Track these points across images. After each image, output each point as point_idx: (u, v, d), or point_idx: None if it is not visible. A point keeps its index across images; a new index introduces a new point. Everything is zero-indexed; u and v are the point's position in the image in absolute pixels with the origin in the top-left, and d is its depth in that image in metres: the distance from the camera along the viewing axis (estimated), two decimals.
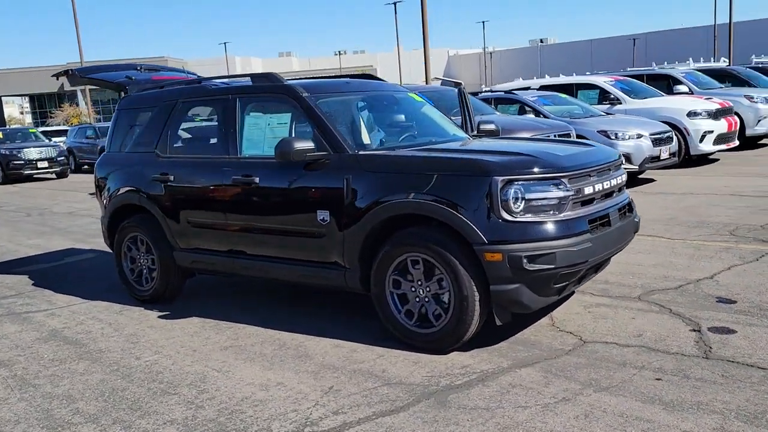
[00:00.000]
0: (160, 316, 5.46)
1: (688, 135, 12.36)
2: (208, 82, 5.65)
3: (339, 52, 78.53)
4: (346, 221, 4.41)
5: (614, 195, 4.52)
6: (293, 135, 4.98)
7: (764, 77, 18.15)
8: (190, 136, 5.71)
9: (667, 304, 4.83)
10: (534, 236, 3.89)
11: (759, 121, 14.43)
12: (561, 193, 3.98)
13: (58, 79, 6.99)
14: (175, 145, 5.63)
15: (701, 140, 12.36)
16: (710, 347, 3.99)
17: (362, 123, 5.08)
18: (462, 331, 4.07)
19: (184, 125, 5.70)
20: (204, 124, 5.74)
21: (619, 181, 4.56)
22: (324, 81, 5.36)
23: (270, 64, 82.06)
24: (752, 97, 14.54)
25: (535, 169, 3.98)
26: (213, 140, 5.39)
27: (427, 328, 4.21)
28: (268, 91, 5.08)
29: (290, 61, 77.43)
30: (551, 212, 3.97)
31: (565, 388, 3.57)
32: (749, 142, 14.93)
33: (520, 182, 3.92)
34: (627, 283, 5.39)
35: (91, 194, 15.72)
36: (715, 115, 12.61)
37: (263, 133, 5.05)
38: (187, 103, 5.57)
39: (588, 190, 4.16)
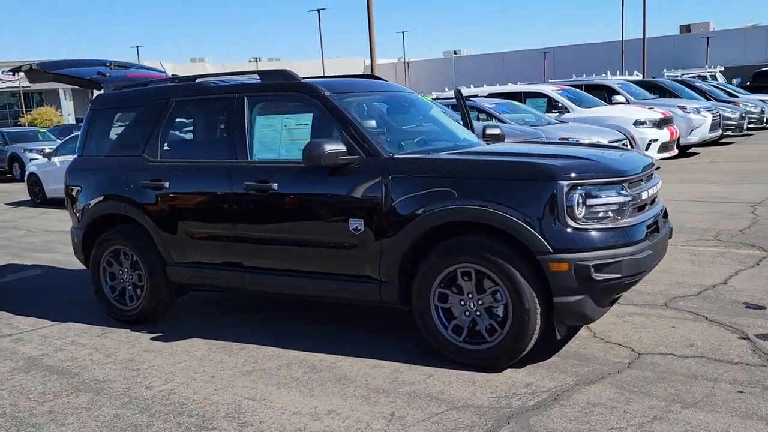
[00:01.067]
0: (153, 338, 4.90)
1: (635, 143, 12.65)
2: (205, 80, 5.14)
3: (255, 59, 77.13)
4: (385, 230, 4.07)
5: (656, 200, 4.39)
6: (314, 137, 4.57)
7: (687, 89, 19.03)
8: (187, 138, 5.20)
9: (699, 311, 4.74)
10: (600, 244, 3.68)
11: (692, 130, 15.02)
12: (622, 199, 3.80)
13: (14, 74, 6.25)
14: (168, 149, 5.09)
15: (647, 148, 12.70)
16: None
17: (389, 125, 4.74)
18: (521, 346, 3.80)
19: (178, 127, 5.18)
20: (203, 125, 5.21)
21: (659, 186, 4.44)
22: (339, 80, 4.98)
23: (181, 70, 79.58)
24: (685, 108, 15.14)
25: (599, 174, 3.78)
26: (216, 143, 4.91)
27: (479, 344, 3.93)
28: (282, 89, 4.66)
29: (203, 66, 75.20)
30: (614, 218, 3.78)
31: (650, 406, 3.36)
32: (682, 151, 15.53)
33: (583, 187, 3.71)
34: (644, 290, 5.29)
35: (9, 204, 14.50)
36: (659, 124, 13.01)
37: (279, 135, 4.61)
38: (182, 102, 5.05)
39: (644, 195, 4.00)
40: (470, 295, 3.92)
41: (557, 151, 4.47)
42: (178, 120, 5.15)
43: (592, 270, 3.64)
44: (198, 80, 5.20)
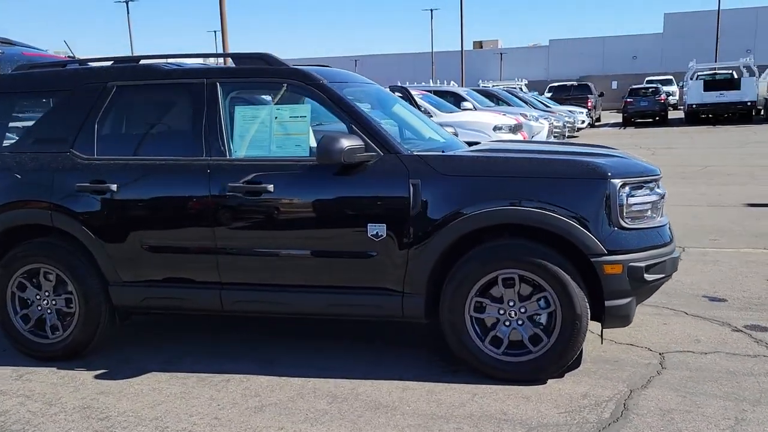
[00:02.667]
0: (99, 377, 3.99)
1: None
2: (154, 62, 4.29)
3: None
4: (412, 236, 3.64)
5: None
6: (313, 132, 4.00)
7: (515, 98, 20.32)
8: (134, 131, 4.30)
9: (672, 306, 4.86)
10: (647, 244, 3.59)
11: (533, 136, 15.98)
12: (655, 198, 3.74)
13: None
14: (108, 144, 4.19)
15: None
16: None
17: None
18: (570, 355, 3.59)
19: (120, 117, 4.28)
20: (157, 115, 4.35)
21: None
22: (325, 68, 4.39)
23: None
24: (526, 116, 16.07)
25: (637, 173, 3.69)
26: (178, 137, 4.12)
27: (521, 355, 3.65)
28: (267, 75, 4.01)
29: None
30: (651, 217, 3.70)
31: (722, 407, 3.30)
32: None
33: (630, 185, 3.59)
34: None
35: None
36: (514, 129, 13.63)
37: (268, 129, 3.95)
38: (125, 88, 4.17)
39: (666, 195, 3.98)
40: (511, 303, 3.63)
41: (581, 149, 4.32)
42: (119, 109, 4.24)
43: (644, 271, 3.52)
44: (143, 62, 4.34)
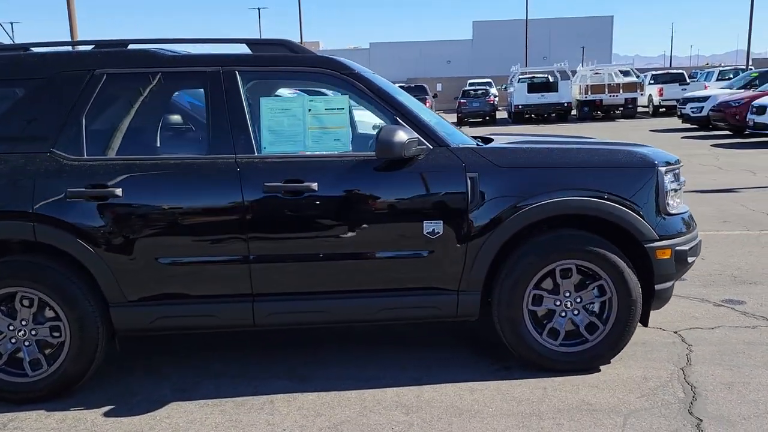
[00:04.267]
0: (111, 414, 3.41)
1: None
2: (147, 47, 3.72)
3: None
4: (471, 231, 3.52)
5: None
6: (353, 125, 3.72)
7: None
8: (136, 127, 3.70)
9: None
10: (685, 229, 3.77)
11: None
12: (680, 185, 3.93)
13: None
14: (101, 142, 3.58)
15: None
16: (766, 317, 4.45)
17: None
18: (626, 340, 3.68)
19: (111, 110, 3.67)
20: (160, 108, 3.77)
21: None
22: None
23: None
24: None
25: (674, 161, 3.85)
26: (192, 133, 3.62)
27: (578, 344, 3.67)
28: (293, 64, 3.66)
29: None
30: (680, 204, 3.89)
31: None
32: None
33: (670, 173, 3.75)
34: None
35: None
36: None
37: (301, 122, 3.59)
38: (117, 76, 3.59)
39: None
40: (567, 294, 3.64)
41: (604, 140, 4.41)
42: (111, 101, 3.64)
43: (687, 254, 3.70)
44: (131, 47, 3.75)
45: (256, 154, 3.51)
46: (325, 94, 4.55)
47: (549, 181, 3.54)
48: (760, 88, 19.32)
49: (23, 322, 3.51)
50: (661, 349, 3.96)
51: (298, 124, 3.58)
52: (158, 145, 3.70)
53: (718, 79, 29.80)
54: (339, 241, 3.51)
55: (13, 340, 3.53)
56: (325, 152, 3.55)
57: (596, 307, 3.66)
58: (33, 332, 3.52)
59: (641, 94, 28.13)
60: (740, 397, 3.32)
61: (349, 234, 3.51)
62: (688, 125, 21.27)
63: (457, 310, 3.62)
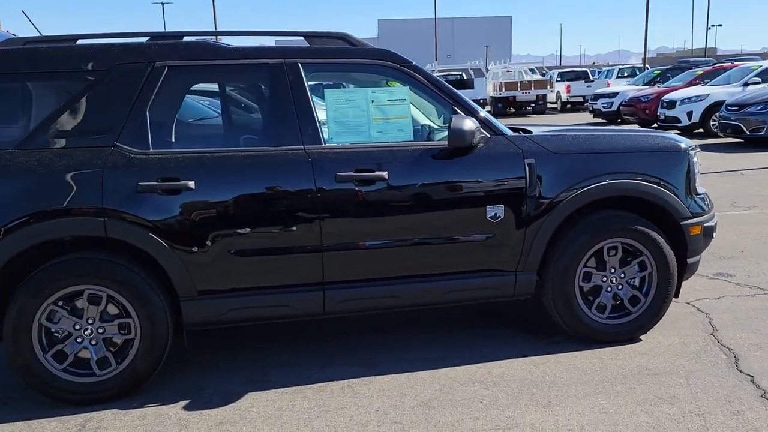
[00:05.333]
0: (190, 408, 3.39)
1: None
2: (203, 39, 3.70)
3: None
4: (530, 215, 3.74)
5: None
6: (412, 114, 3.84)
7: None
8: (199, 119, 3.66)
9: None
10: (707, 207, 4.14)
11: None
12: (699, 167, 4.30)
13: None
14: (166, 135, 3.55)
15: None
16: (758, 286, 4.93)
17: None
18: (664, 310, 4.00)
19: (172, 103, 3.63)
20: (224, 100, 3.74)
21: None
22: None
23: None
24: None
25: (696, 145, 4.22)
26: (258, 124, 3.65)
27: (622, 317, 3.97)
28: (353, 56, 3.74)
29: None
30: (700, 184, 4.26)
31: None
32: None
33: (695, 156, 4.11)
34: None
35: None
36: None
37: (365, 113, 3.68)
38: (179, 68, 3.56)
39: None
40: (612, 270, 3.92)
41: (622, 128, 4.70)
42: (173, 94, 3.60)
43: (713, 230, 4.08)
44: (187, 39, 3.72)
45: (323, 144, 3.58)
46: (345, 87, 4.66)
47: (597, 166, 3.81)
48: (665, 85, 20.79)
49: (90, 321, 3.42)
50: (684, 318, 4.32)
51: (362, 115, 3.67)
52: (223, 137, 3.69)
53: (618, 77, 31.64)
54: (408, 228, 3.64)
55: (79, 340, 3.43)
56: (391, 142, 3.66)
57: (637, 282, 3.97)
58: (100, 330, 3.44)
59: (551, 91, 29.44)
60: None
61: (418, 220, 3.65)
62: (599, 120, 22.53)
63: (515, 289, 3.83)
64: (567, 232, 3.82)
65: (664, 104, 17.56)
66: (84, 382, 3.44)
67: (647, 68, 30.91)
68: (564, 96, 29.60)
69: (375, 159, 3.58)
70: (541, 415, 3.15)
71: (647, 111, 19.07)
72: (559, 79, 30.67)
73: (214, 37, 3.74)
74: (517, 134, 3.83)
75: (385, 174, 3.55)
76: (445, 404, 3.30)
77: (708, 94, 16.73)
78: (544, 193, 3.74)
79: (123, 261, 3.42)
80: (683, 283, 4.09)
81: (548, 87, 29.15)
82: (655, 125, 18.20)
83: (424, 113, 4.65)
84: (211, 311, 3.54)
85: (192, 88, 4.14)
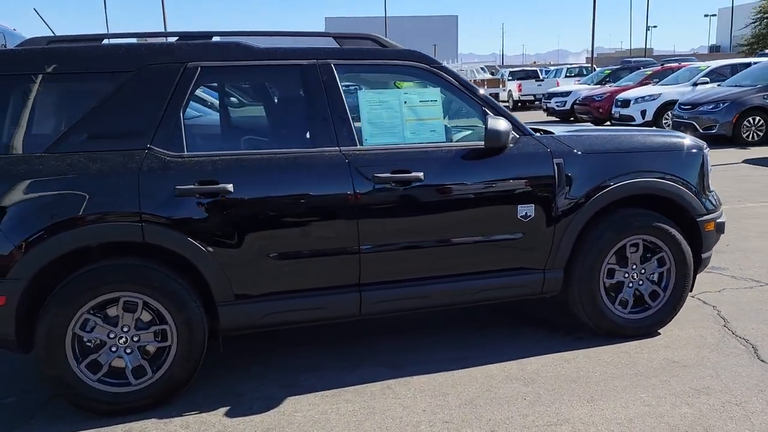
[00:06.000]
0: (231, 414, 3.33)
1: None
2: (233, 39, 3.63)
3: None
4: (558, 214, 3.82)
5: None
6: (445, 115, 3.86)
7: None
8: (232, 121, 3.60)
9: None
10: (718, 204, 4.30)
11: None
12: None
13: None
14: (199, 137, 3.48)
15: None
16: (753, 278, 5.15)
17: None
18: (681, 304, 4.14)
19: (204, 104, 3.56)
20: (257, 101, 3.68)
21: None
22: None
23: None
24: None
25: (705, 144, 4.37)
26: (291, 126, 3.61)
27: (643, 311, 4.09)
28: (385, 57, 3.74)
29: None
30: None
31: None
32: None
33: (708, 155, 4.26)
34: None
35: None
36: None
37: (399, 114, 3.68)
38: (211, 69, 3.49)
39: None
40: (634, 266, 4.04)
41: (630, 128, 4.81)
42: (203, 95, 3.53)
43: (724, 226, 4.24)
44: (215, 39, 3.65)
45: (358, 146, 3.57)
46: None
47: (621, 165, 3.92)
48: (616, 84, 21.39)
49: (125, 329, 3.33)
50: (693, 311, 4.48)
51: (396, 116, 3.68)
52: (257, 139, 3.63)
53: (566, 76, 32.39)
54: (442, 228, 3.66)
55: (114, 349, 3.34)
56: (425, 143, 3.68)
57: (656, 277, 4.09)
58: (135, 338, 3.35)
59: (503, 90, 29.92)
60: None
61: (453, 220, 3.68)
62: (552, 118, 23.02)
63: (543, 287, 3.90)
64: (592, 230, 3.91)
65: (619, 103, 18.09)
66: (119, 392, 3.34)
67: (594, 68, 31.76)
68: (516, 95, 30.10)
69: (411, 160, 3.59)
70: (587, 410, 3.22)
71: (601, 110, 19.59)
72: (510, 78, 31.18)
73: (242, 37, 3.67)
74: (543, 134, 3.89)
75: (421, 175, 3.56)
76: (491, 402, 3.34)
77: (660, 94, 17.33)
78: (572, 192, 3.82)
79: (159, 267, 3.34)
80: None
81: (500, 86, 29.61)
82: (608, 123, 18.72)
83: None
84: (249, 315, 3.49)
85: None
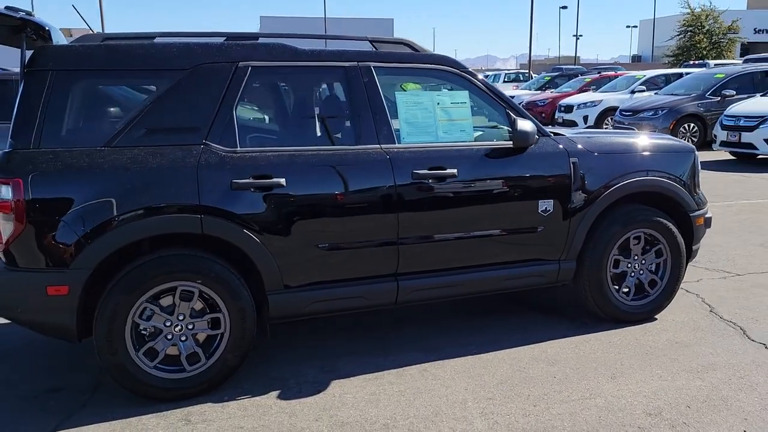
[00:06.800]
0: (284, 397, 3.51)
1: None
2: (278, 41, 3.79)
3: None
4: (573, 209, 4.16)
5: None
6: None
7: None
8: (280, 119, 3.77)
9: None
10: (705, 200, 4.74)
11: None
12: None
13: None
14: (249, 133, 3.64)
15: None
16: (723, 269, 5.65)
17: None
18: (675, 291, 4.55)
19: (255, 102, 3.72)
20: (302, 101, 3.84)
21: None
22: None
23: None
24: None
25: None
26: (333, 124, 3.81)
27: (643, 299, 4.48)
28: (418, 62, 3.99)
29: None
30: None
31: None
32: None
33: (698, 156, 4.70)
34: None
35: None
36: None
37: (433, 115, 3.93)
38: (261, 69, 3.66)
39: None
40: (635, 257, 4.43)
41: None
42: (255, 93, 3.69)
43: (710, 221, 4.69)
44: (260, 40, 3.82)
45: (396, 144, 3.81)
46: None
47: (629, 164, 4.30)
48: (557, 90, 22.26)
49: (180, 317, 3.46)
50: (680, 299, 4.89)
51: (429, 117, 3.93)
52: (303, 135, 3.81)
53: (504, 81, 33.40)
54: (472, 221, 3.94)
55: (169, 336, 3.46)
56: (456, 142, 3.95)
57: (653, 267, 4.49)
58: (190, 326, 3.49)
59: None
60: None
61: (482, 214, 3.96)
62: None
63: (558, 276, 4.23)
64: (601, 224, 4.26)
65: (562, 108, 18.88)
66: (174, 378, 3.47)
67: (532, 74, 32.85)
68: None
69: (445, 158, 3.85)
70: (614, 386, 3.56)
71: (544, 114, 20.33)
72: None
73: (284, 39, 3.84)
74: (559, 135, 4.23)
75: (455, 171, 3.83)
76: (525, 381, 3.64)
77: (601, 100, 18.21)
78: (586, 189, 4.16)
79: (214, 257, 3.48)
80: None
81: None
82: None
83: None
84: (296, 304, 3.67)
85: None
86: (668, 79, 19.07)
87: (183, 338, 3.48)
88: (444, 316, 4.64)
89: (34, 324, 3.39)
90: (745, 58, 24.83)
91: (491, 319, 4.56)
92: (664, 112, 15.11)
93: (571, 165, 4.12)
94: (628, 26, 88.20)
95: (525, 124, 3.87)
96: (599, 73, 23.89)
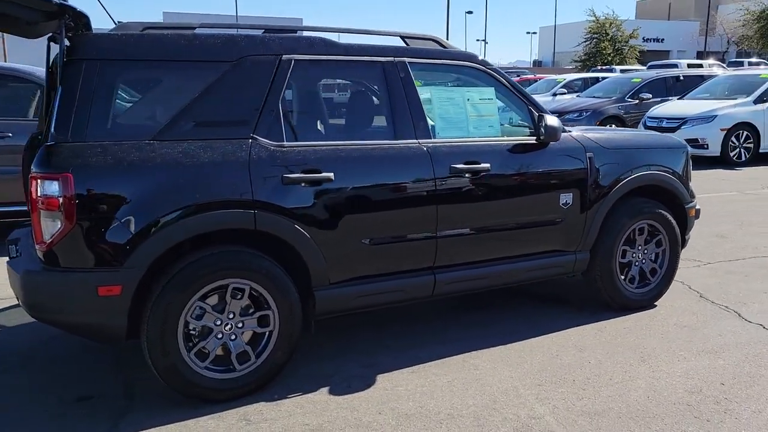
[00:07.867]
0: (336, 392, 3.50)
1: None
2: (317, 34, 3.76)
3: None
4: (589, 202, 4.36)
5: None
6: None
7: None
8: (322, 113, 3.72)
9: None
10: (694, 193, 5.07)
11: None
12: None
13: None
14: (294, 128, 3.59)
15: None
16: (696, 259, 6.05)
17: None
18: (672, 279, 4.85)
19: (300, 96, 3.68)
20: (341, 95, 3.79)
21: None
22: None
23: None
24: None
25: None
26: (377, 118, 3.82)
27: (645, 286, 4.74)
28: (447, 58, 4.06)
29: None
30: None
31: None
32: None
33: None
34: None
35: None
36: None
37: (464, 110, 4.00)
38: (303, 62, 3.62)
39: None
40: (639, 247, 4.68)
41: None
42: (298, 87, 3.64)
43: (700, 212, 5.02)
44: (303, 34, 3.77)
45: (432, 139, 3.87)
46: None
47: (636, 159, 4.54)
48: None
49: (230, 316, 3.38)
50: (676, 282, 5.18)
51: (461, 112, 4.02)
52: (344, 130, 3.79)
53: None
54: (503, 214, 4.05)
55: (219, 336, 3.37)
56: (485, 137, 4.05)
57: (653, 256, 4.76)
58: (239, 325, 3.41)
59: None
60: (760, 306, 4.71)
61: (511, 207, 4.08)
62: None
63: (574, 267, 4.41)
64: (611, 216, 4.48)
65: None
66: (225, 378, 3.38)
67: None
68: None
69: (479, 152, 3.94)
70: (647, 367, 3.76)
71: None
72: None
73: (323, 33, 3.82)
74: (578, 131, 4.41)
75: (488, 166, 3.93)
76: (563, 367, 3.78)
77: None
78: (600, 183, 4.37)
79: (263, 253, 3.42)
80: None
81: None
82: None
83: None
84: (342, 299, 3.65)
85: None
86: (585, 83, 20.01)
87: (233, 337, 3.39)
88: (451, 310, 4.72)
89: (80, 326, 3.21)
90: (650, 64, 26.40)
91: (501, 312, 4.69)
92: (588, 113, 15.82)
93: (588, 160, 4.31)
94: (528, 32, 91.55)
95: (554, 121, 4.02)
96: (518, 75, 24.73)
